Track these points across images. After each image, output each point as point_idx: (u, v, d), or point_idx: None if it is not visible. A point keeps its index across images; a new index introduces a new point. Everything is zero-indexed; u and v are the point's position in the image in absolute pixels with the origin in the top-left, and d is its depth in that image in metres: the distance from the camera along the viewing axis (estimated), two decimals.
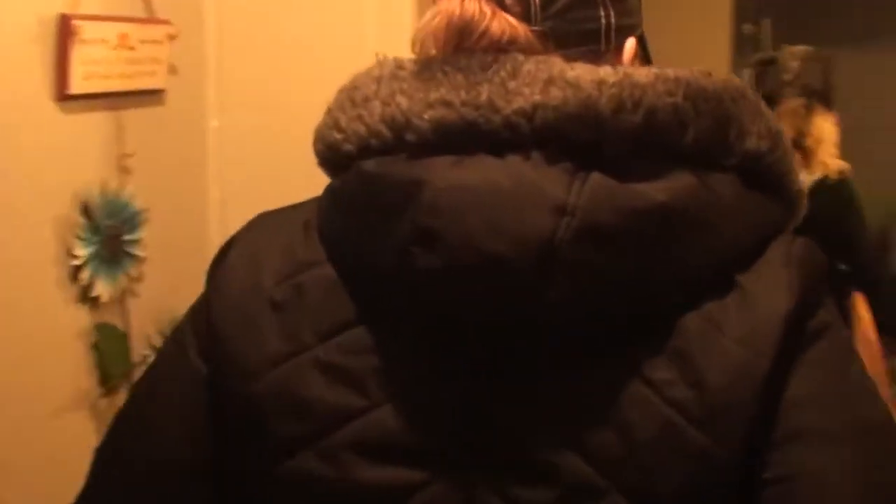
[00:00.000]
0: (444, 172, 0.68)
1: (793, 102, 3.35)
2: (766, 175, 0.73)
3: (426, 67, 0.72)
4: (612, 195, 0.67)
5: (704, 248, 0.70)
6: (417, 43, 0.75)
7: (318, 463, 0.71)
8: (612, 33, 0.76)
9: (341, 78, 0.77)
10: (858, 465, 0.67)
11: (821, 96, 3.35)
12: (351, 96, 0.75)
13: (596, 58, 0.73)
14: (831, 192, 3.25)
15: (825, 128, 3.18)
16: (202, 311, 0.80)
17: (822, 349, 0.70)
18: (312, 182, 0.80)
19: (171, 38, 1.71)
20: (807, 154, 3.22)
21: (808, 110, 3.19)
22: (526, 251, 0.66)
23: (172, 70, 1.74)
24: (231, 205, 1.87)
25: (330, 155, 0.75)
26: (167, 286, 1.70)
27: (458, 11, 0.72)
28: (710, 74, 0.71)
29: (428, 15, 0.74)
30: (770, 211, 0.75)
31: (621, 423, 0.68)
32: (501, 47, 0.72)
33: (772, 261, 0.72)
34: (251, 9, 1.85)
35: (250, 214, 0.84)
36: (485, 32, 0.72)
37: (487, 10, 0.72)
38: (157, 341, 1.64)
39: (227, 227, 0.97)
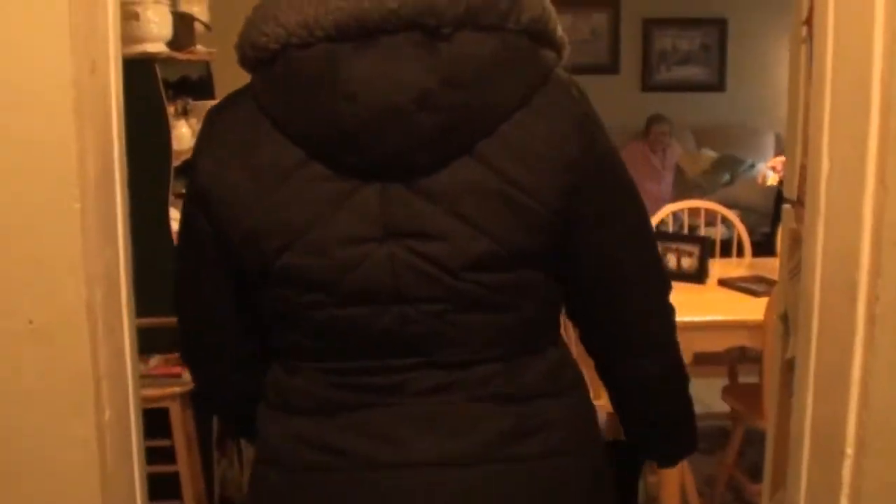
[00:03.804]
0: (352, 56, 1.07)
1: None
2: (542, 32, 1.14)
3: None
4: (456, 58, 1.08)
5: (513, 81, 1.12)
6: None
7: (302, 255, 1.14)
8: None
9: None
10: (627, 230, 1.23)
11: None
12: (265, 12, 1.10)
13: None
14: None
15: None
16: (197, 195, 1.20)
17: (599, 145, 1.17)
18: None
19: None
20: None
21: None
22: (413, 98, 1.07)
23: None
24: None
25: (254, 53, 1.11)
26: None
27: None
28: None
29: None
30: (547, 54, 1.16)
31: (481, 195, 1.12)
32: None
33: (556, 86, 1.16)
34: None
35: None
36: None
37: None
38: None
39: None
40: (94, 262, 1.27)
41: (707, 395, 3.32)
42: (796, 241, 2.02)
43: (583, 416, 1.27)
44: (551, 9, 1.14)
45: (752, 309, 3.18)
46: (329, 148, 1.11)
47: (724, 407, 4.12)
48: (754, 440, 3.74)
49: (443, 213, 1.11)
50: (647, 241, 1.25)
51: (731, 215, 4.24)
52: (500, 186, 1.11)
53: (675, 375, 1.33)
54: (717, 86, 7.51)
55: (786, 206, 2.14)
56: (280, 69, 1.09)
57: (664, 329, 1.29)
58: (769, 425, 2.24)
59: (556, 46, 1.17)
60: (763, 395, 3.11)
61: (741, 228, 4.11)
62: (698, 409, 1.41)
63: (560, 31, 1.16)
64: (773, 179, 3.59)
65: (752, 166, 6.98)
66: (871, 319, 1.17)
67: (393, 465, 1.18)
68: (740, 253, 4.12)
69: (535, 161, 1.12)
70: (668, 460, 1.44)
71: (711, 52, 7.48)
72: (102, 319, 1.28)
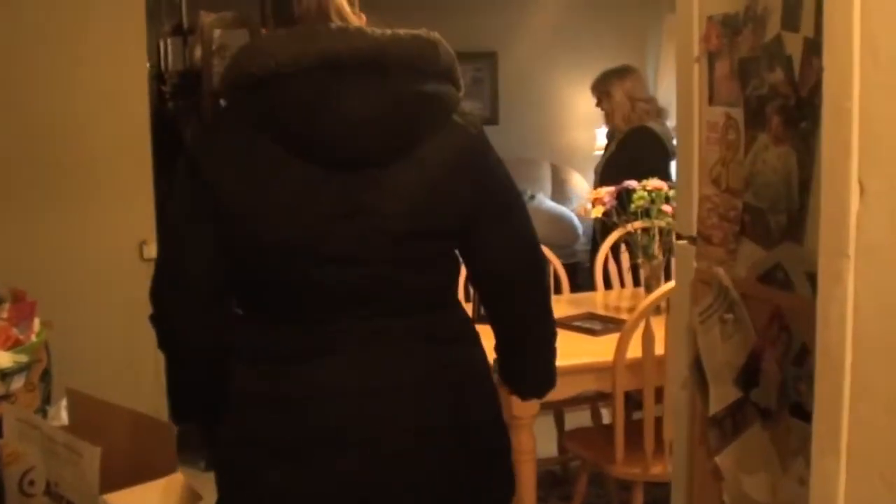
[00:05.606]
0: (333, 84, 1.53)
1: None
2: (452, 75, 1.65)
3: (299, 33, 1.56)
4: (399, 90, 1.57)
5: (436, 108, 1.62)
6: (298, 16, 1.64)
7: (289, 228, 1.56)
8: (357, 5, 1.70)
9: None
10: (513, 220, 1.77)
11: None
12: (258, 48, 1.56)
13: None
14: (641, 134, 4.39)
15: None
16: (204, 182, 1.58)
17: (491, 158, 1.72)
18: None
19: None
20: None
21: None
22: (375, 116, 1.54)
23: None
24: None
25: (244, 79, 1.55)
26: None
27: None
28: (427, 31, 1.62)
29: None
30: (454, 91, 1.67)
31: (417, 186, 1.60)
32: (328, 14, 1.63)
33: (462, 115, 1.66)
34: None
35: None
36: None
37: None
38: None
39: None
40: None
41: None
42: (705, 283, 1.85)
43: (482, 358, 1.77)
44: (456, 58, 1.65)
45: (597, 350, 3.02)
46: (311, 148, 1.55)
47: (550, 452, 3.97)
48: (593, 482, 3.62)
49: (391, 197, 1.58)
50: (530, 228, 1.78)
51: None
52: (429, 181, 1.61)
53: (547, 318, 1.87)
54: (491, 119, 7.49)
55: (680, 243, 1.96)
56: (273, 91, 1.53)
57: (542, 287, 1.85)
58: (674, 484, 2.05)
59: (459, 86, 1.69)
60: (615, 440, 2.95)
61: (557, 264, 3.97)
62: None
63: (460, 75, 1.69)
64: (596, 212, 3.48)
65: (532, 198, 6.99)
66: None
67: (359, 392, 1.60)
68: (556, 290, 3.98)
69: (450, 164, 1.63)
70: (527, 393, 1.95)
71: (483, 86, 7.46)
72: None
